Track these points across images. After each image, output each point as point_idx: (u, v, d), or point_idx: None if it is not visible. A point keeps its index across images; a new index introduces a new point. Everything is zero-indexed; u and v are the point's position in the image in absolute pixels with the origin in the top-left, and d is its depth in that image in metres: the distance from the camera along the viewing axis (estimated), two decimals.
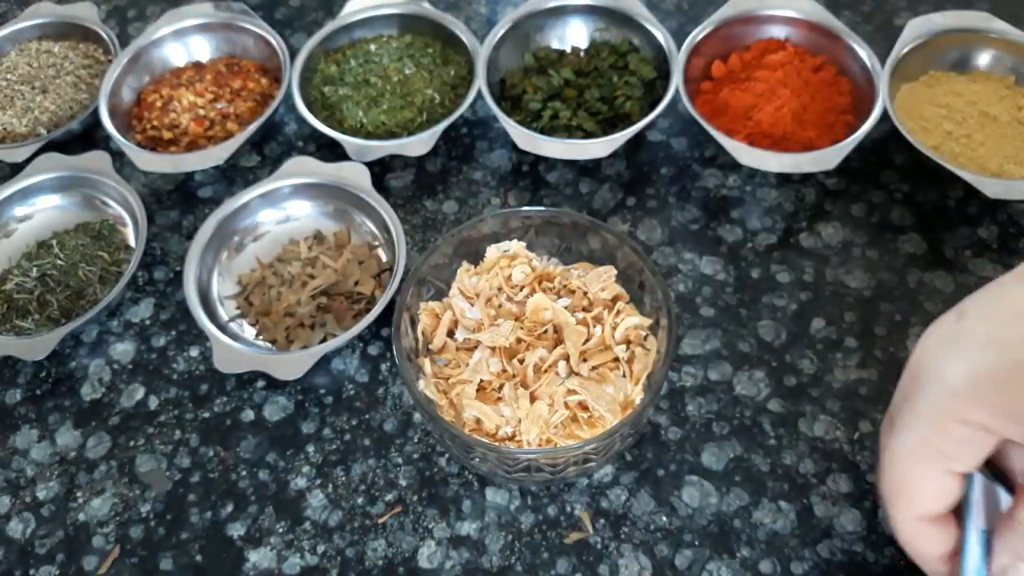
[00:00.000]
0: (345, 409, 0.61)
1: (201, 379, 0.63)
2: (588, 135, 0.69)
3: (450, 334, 0.55)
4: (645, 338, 0.54)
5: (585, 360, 0.53)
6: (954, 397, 0.39)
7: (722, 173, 0.70)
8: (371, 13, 0.79)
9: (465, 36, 0.76)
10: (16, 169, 0.74)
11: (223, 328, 0.63)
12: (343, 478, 0.58)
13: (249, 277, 0.67)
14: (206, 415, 0.61)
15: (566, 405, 0.51)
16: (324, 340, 0.62)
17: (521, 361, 0.53)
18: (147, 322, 0.67)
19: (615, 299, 0.55)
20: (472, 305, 0.55)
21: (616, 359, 0.53)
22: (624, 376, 0.53)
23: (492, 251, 0.57)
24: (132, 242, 0.70)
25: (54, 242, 0.69)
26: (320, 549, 0.55)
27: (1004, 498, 0.42)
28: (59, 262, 0.68)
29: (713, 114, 0.69)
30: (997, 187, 0.62)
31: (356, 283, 0.65)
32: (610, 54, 0.75)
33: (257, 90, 0.78)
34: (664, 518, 0.54)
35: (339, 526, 0.56)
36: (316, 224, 0.69)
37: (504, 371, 0.53)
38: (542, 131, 0.69)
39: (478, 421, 0.52)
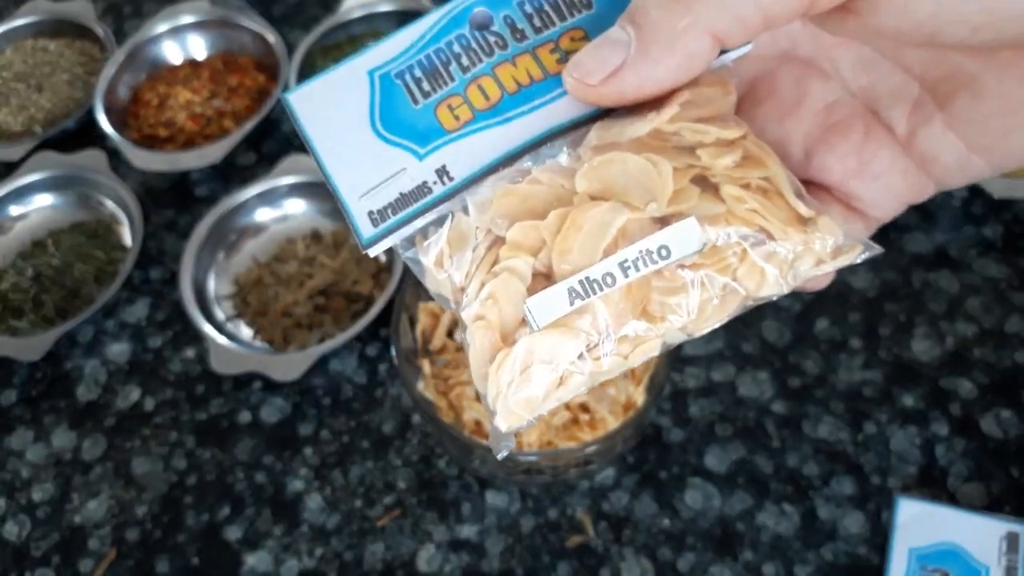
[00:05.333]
0: (343, 411, 0.60)
1: (197, 380, 0.62)
2: None
3: (449, 334, 0.55)
4: None
5: None
6: None
7: None
8: (370, 10, 0.78)
9: None
10: (11, 168, 0.73)
11: (220, 328, 0.62)
12: (341, 480, 0.57)
13: (246, 277, 0.66)
14: (202, 416, 0.61)
15: (567, 406, 0.51)
16: (322, 341, 0.61)
17: None
18: (143, 322, 0.66)
19: None
20: None
21: None
22: (626, 377, 0.52)
23: None
24: (128, 241, 0.69)
25: (49, 241, 0.69)
26: (318, 552, 0.54)
27: None
28: (54, 261, 0.67)
29: None
30: (1002, 186, 0.62)
31: (354, 283, 0.64)
32: None
33: (254, 87, 0.77)
34: (666, 521, 0.54)
35: (337, 529, 0.55)
36: (314, 223, 0.69)
37: None
38: None
39: (478, 423, 0.51)
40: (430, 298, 0.56)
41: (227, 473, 0.58)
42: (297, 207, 0.69)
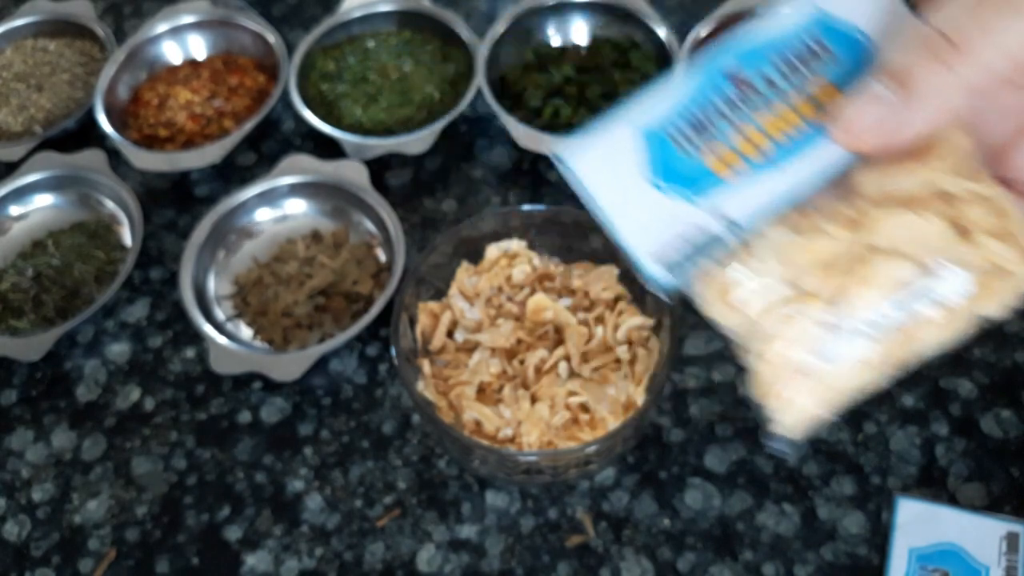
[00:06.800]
0: (343, 411, 0.60)
1: (197, 380, 0.62)
2: None
3: (449, 334, 0.55)
4: (647, 339, 0.54)
5: (586, 361, 0.52)
6: None
7: None
8: (370, 10, 0.78)
9: (465, 32, 0.75)
10: (11, 168, 0.73)
11: (220, 328, 0.62)
12: (341, 480, 0.57)
13: (246, 277, 0.66)
14: (202, 417, 0.61)
15: (567, 406, 0.51)
16: (322, 341, 0.61)
17: (521, 362, 0.52)
18: (143, 322, 0.66)
19: (617, 299, 0.55)
20: (472, 305, 0.55)
21: (618, 360, 0.52)
22: (626, 377, 0.52)
23: (492, 250, 0.56)
24: (128, 241, 0.69)
25: (49, 241, 0.69)
26: (318, 552, 0.54)
27: None
28: (54, 261, 0.67)
29: None
30: None
31: (354, 283, 0.64)
32: (612, 51, 0.74)
33: (254, 87, 0.77)
34: (666, 521, 0.54)
35: (337, 529, 0.55)
36: (314, 223, 0.69)
37: (504, 372, 0.52)
38: (543, 128, 0.69)
39: (478, 423, 0.51)
40: (430, 298, 0.56)
41: (227, 473, 0.58)
42: (297, 207, 0.69)
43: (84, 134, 0.76)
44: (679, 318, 0.51)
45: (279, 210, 0.69)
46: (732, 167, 0.28)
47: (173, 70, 0.79)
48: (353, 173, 0.68)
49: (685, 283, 0.29)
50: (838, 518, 0.53)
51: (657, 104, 0.29)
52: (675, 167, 0.29)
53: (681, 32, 0.72)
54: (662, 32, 0.73)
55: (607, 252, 0.56)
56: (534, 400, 0.51)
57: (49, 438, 0.61)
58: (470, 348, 0.54)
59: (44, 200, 0.72)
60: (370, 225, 0.68)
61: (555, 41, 0.77)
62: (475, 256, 0.57)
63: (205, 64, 0.79)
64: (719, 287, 0.28)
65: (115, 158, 0.73)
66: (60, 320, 0.65)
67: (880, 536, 0.52)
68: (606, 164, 0.29)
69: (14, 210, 0.72)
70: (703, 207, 0.28)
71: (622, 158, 0.29)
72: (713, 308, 0.29)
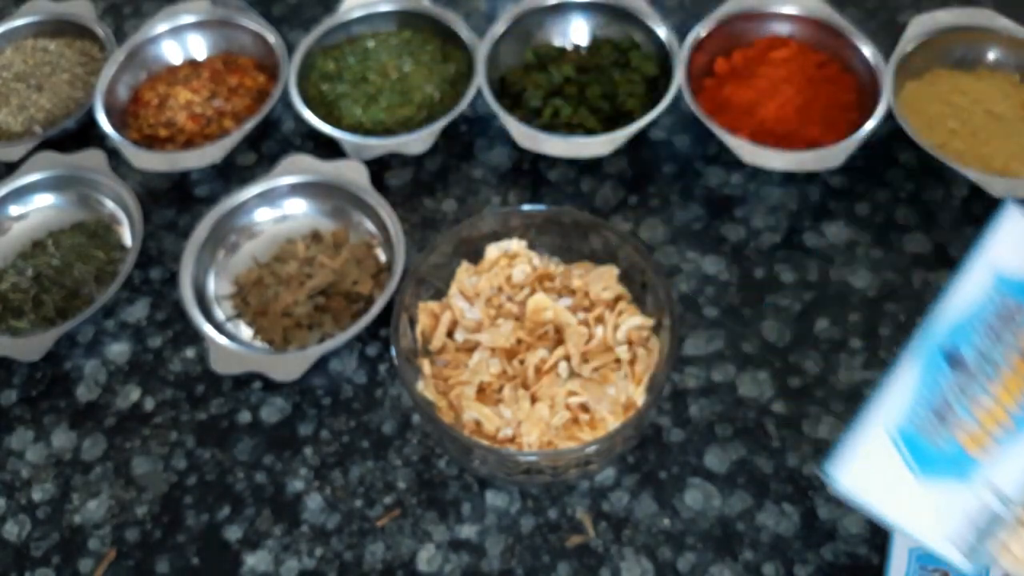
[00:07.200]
0: (343, 411, 0.60)
1: (197, 380, 0.62)
2: (589, 133, 0.68)
3: (449, 334, 0.55)
4: (647, 339, 0.54)
5: (586, 361, 0.52)
6: None
7: (725, 171, 0.69)
8: (370, 10, 0.78)
9: (465, 33, 0.75)
10: (11, 168, 0.73)
11: (220, 328, 0.62)
12: (341, 480, 0.57)
13: (246, 277, 0.66)
14: (202, 417, 0.61)
15: (567, 406, 0.51)
16: (322, 341, 0.61)
17: (521, 362, 0.52)
18: (143, 322, 0.66)
19: (617, 299, 0.55)
20: (472, 305, 0.55)
21: (618, 360, 0.52)
22: (626, 377, 0.52)
23: (492, 250, 0.56)
24: (128, 241, 0.69)
25: (49, 241, 0.69)
26: (318, 552, 0.54)
27: None
28: (54, 261, 0.67)
29: (716, 111, 0.68)
30: (1003, 185, 0.62)
31: (354, 283, 0.64)
32: (612, 51, 0.74)
33: (254, 87, 0.77)
34: (666, 521, 0.54)
35: (337, 529, 0.55)
36: (314, 223, 0.69)
37: (504, 372, 0.52)
38: (543, 128, 0.69)
39: (478, 423, 0.51)
40: (430, 298, 0.56)
41: (227, 473, 0.58)
42: (297, 207, 0.69)
43: (84, 134, 0.76)
44: (679, 318, 0.51)
45: (279, 210, 0.69)
46: (981, 444, 0.31)
47: (173, 70, 0.79)
48: (353, 173, 0.68)
49: (985, 561, 0.31)
50: (838, 518, 0.53)
51: (895, 400, 0.31)
52: (933, 457, 0.31)
53: (681, 32, 0.72)
54: (662, 32, 0.73)
55: (606, 252, 0.56)
56: (534, 400, 0.51)
57: (49, 438, 0.61)
58: (470, 348, 0.54)
59: (44, 200, 0.72)
60: (370, 225, 0.68)
61: (555, 41, 0.77)
62: (475, 256, 0.57)
63: (205, 64, 0.79)
64: (1014, 557, 0.31)
65: (115, 158, 0.73)
66: (60, 320, 0.64)
67: (880, 536, 0.52)
68: (873, 473, 0.31)
69: (14, 210, 0.72)
70: (974, 488, 0.30)
71: (886, 463, 0.31)
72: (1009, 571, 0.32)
